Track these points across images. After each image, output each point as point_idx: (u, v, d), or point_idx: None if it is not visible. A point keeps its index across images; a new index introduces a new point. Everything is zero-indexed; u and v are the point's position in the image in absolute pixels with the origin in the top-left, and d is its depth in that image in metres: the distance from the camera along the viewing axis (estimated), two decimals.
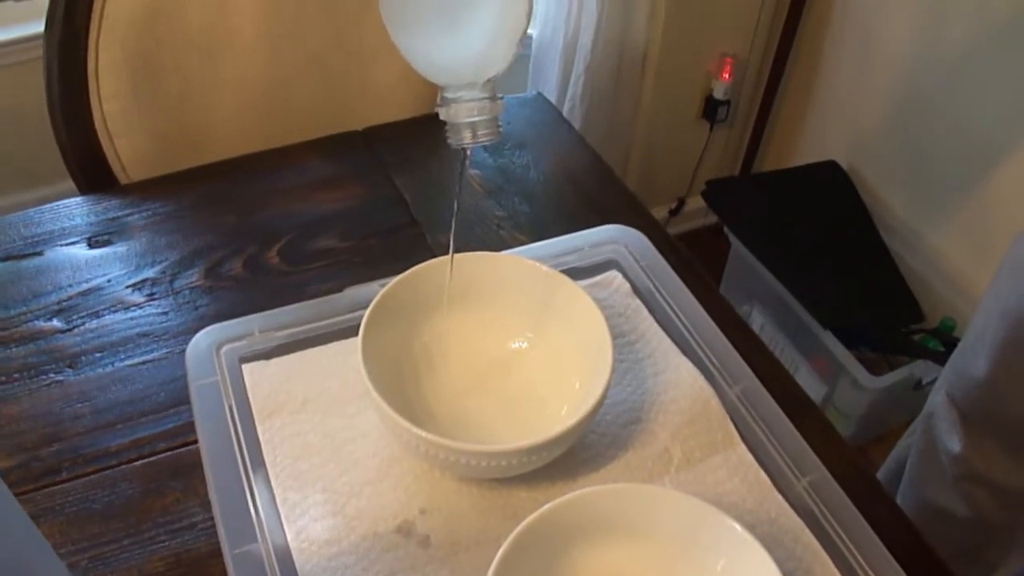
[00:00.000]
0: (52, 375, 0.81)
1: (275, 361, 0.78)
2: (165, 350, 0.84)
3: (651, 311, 0.84)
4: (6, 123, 1.85)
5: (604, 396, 0.68)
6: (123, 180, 1.13)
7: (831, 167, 2.06)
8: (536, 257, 0.80)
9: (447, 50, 0.64)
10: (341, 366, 0.78)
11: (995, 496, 1.11)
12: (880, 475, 1.34)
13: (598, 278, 0.87)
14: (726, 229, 1.98)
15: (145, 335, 0.85)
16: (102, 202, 1.00)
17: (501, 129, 0.66)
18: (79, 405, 0.79)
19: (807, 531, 0.68)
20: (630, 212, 0.99)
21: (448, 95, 0.65)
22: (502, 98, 0.65)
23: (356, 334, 0.71)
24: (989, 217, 1.77)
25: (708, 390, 0.77)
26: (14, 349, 0.84)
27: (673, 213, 2.32)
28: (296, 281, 0.91)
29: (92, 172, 1.12)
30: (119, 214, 0.98)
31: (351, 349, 0.72)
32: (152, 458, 0.75)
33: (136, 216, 0.98)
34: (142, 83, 1.11)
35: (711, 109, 2.13)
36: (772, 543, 0.62)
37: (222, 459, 0.69)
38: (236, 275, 0.92)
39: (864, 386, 1.71)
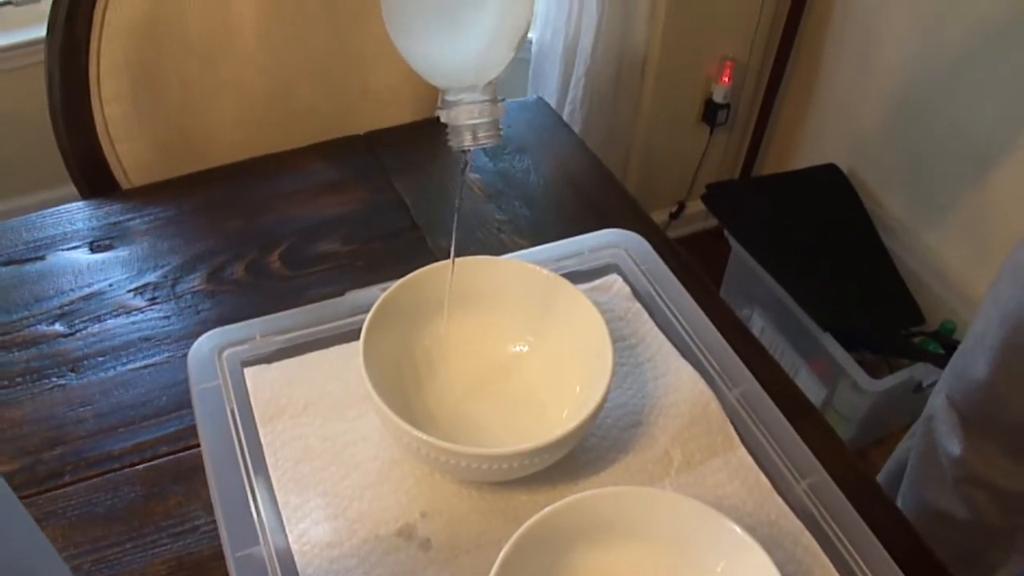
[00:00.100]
0: (54, 379, 0.82)
1: (277, 365, 0.78)
2: (167, 354, 0.84)
3: (651, 315, 0.84)
4: (7, 127, 1.85)
5: (604, 399, 0.69)
6: (125, 185, 1.14)
7: (831, 170, 2.06)
8: (536, 261, 0.80)
9: (447, 52, 0.64)
10: (342, 370, 0.78)
11: (995, 499, 1.11)
12: (880, 478, 1.34)
13: (598, 282, 0.87)
14: (726, 232, 1.99)
15: (147, 339, 0.85)
16: (104, 207, 1.00)
17: (502, 132, 0.66)
18: (81, 409, 0.79)
19: (807, 533, 0.68)
20: (630, 216, 0.99)
21: (449, 98, 0.65)
22: (503, 100, 0.66)
23: (357, 338, 0.71)
24: (989, 220, 1.78)
25: (708, 393, 0.77)
26: (16, 353, 0.84)
27: (673, 216, 2.32)
28: (298, 285, 0.91)
29: (94, 177, 1.12)
30: (121, 219, 0.98)
31: (352, 353, 0.72)
32: (154, 462, 0.75)
33: (138, 221, 0.98)
34: (143, 88, 1.11)
35: (711, 113, 2.14)
36: (772, 545, 0.63)
37: (224, 462, 0.70)
38: (238, 279, 0.92)
39: (864, 389, 1.71)
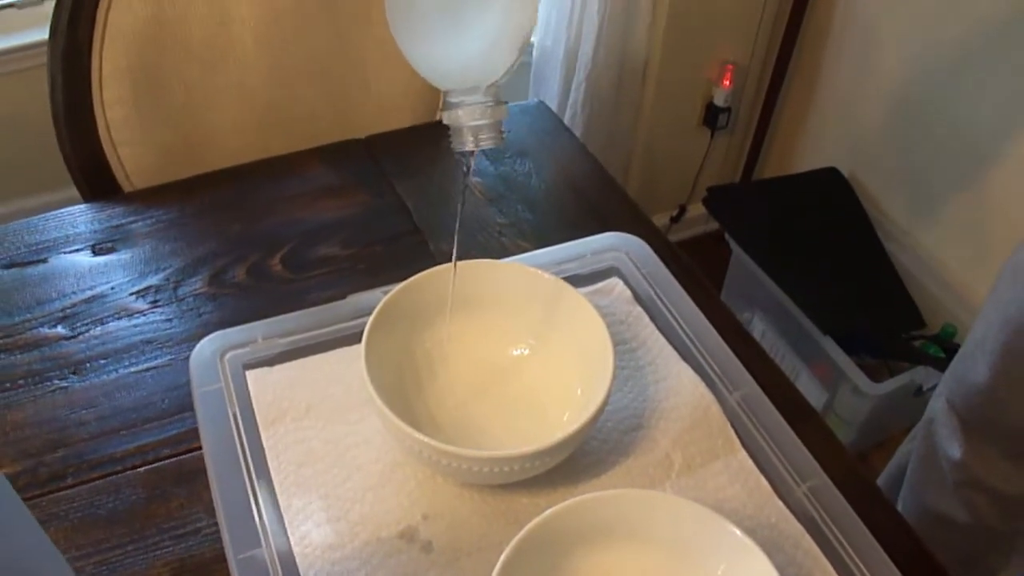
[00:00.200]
0: (57, 382, 0.82)
1: (278, 368, 0.79)
2: (169, 357, 0.84)
3: (652, 318, 0.85)
4: (9, 129, 1.85)
5: (605, 403, 0.69)
6: (127, 188, 1.14)
7: (832, 174, 2.06)
8: (538, 264, 0.80)
9: (450, 54, 0.65)
10: (344, 373, 0.78)
11: (995, 502, 1.11)
12: (881, 481, 1.34)
13: (599, 285, 0.88)
14: (727, 236, 1.99)
15: (149, 342, 0.86)
16: (106, 210, 1.00)
17: (504, 134, 0.66)
18: (84, 411, 0.79)
19: (807, 536, 0.68)
20: (631, 219, 1.00)
21: (451, 99, 0.65)
22: (506, 103, 0.66)
23: (359, 341, 0.71)
24: (989, 224, 1.78)
25: (709, 397, 0.77)
26: (19, 356, 0.84)
27: (674, 220, 2.33)
28: (299, 288, 0.92)
29: (96, 180, 1.12)
30: (123, 221, 0.99)
31: (354, 356, 0.72)
32: (156, 464, 0.76)
33: (140, 224, 0.98)
34: (145, 92, 1.11)
35: (712, 116, 2.14)
36: (772, 548, 0.63)
37: (226, 465, 0.70)
38: (239, 282, 0.92)
39: (865, 392, 1.71)
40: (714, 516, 0.62)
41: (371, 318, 0.73)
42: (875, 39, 1.91)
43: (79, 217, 0.99)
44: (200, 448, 0.72)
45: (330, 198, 1.02)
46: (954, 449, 1.10)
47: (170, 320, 0.88)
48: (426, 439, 0.65)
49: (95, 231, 0.97)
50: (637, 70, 1.97)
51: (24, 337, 0.86)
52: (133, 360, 0.84)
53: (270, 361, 0.79)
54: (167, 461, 0.76)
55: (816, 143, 2.18)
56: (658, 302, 0.84)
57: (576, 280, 0.83)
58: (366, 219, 1.00)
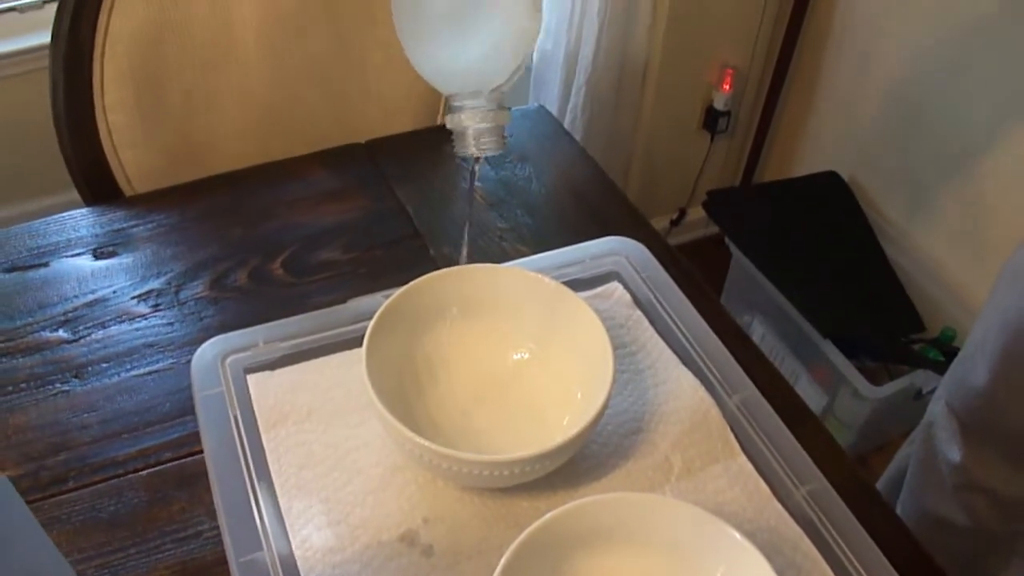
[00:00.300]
0: (59, 385, 0.82)
1: (279, 372, 0.79)
2: (170, 361, 0.85)
3: (652, 322, 0.85)
4: (10, 133, 1.85)
5: (605, 406, 0.69)
6: (128, 192, 1.14)
7: (831, 177, 2.06)
8: (538, 269, 0.80)
9: (455, 58, 0.65)
10: (345, 377, 0.78)
11: (995, 505, 1.11)
12: (880, 485, 1.34)
13: (599, 289, 0.88)
14: (727, 239, 1.99)
15: (150, 346, 0.86)
16: (107, 214, 1.00)
17: (507, 139, 0.67)
18: (85, 415, 0.80)
19: (806, 539, 0.69)
20: (631, 224, 1.00)
21: (455, 104, 0.66)
22: (508, 109, 0.66)
23: (360, 345, 0.72)
24: (989, 227, 1.78)
25: (708, 400, 0.78)
26: (21, 359, 0.84)
27: (674, 224, 2.33)
28: (300, 292, 0.92)
29: (97, 184, 1.12)
30: (124, 225, 0.99)
31: (355, 360, 0.73)
32: (158, 467, 0.76)
33: (141, 228, 0.99)
34: (147, 96, 1.11)
35: (712, 120, 2.14)
36: (771, 551, 0.63)
37: (227, 468, 0.70)
38: (241, 286, 0.92)
39: (864, 396, 1.72)
40: (713, 519, 0.63)
41: (372, 322, 0.73)
42: (875, 43, 1.92)
43: (81, 221, 0.99)
44: (201, 451, 0.72)
45: (331, 202, 1.03)
46: (953, 452, 1.10)
47: (171, 324, 0.88)
48: (427, 443, 0.65)
49: (97, 235, 0.97)
50: (637, 74, 1.98)
51: (26, 341, 0.86)
52: (135, 364, 0.84)
53: (271, 365, 0.79)
54: (169, 464, 0.76)
55: (816, 147, 2.18)
56: (658, 306, 0.85)
57: (576, 284, 0.83)
58: (367, 223, 1.00)
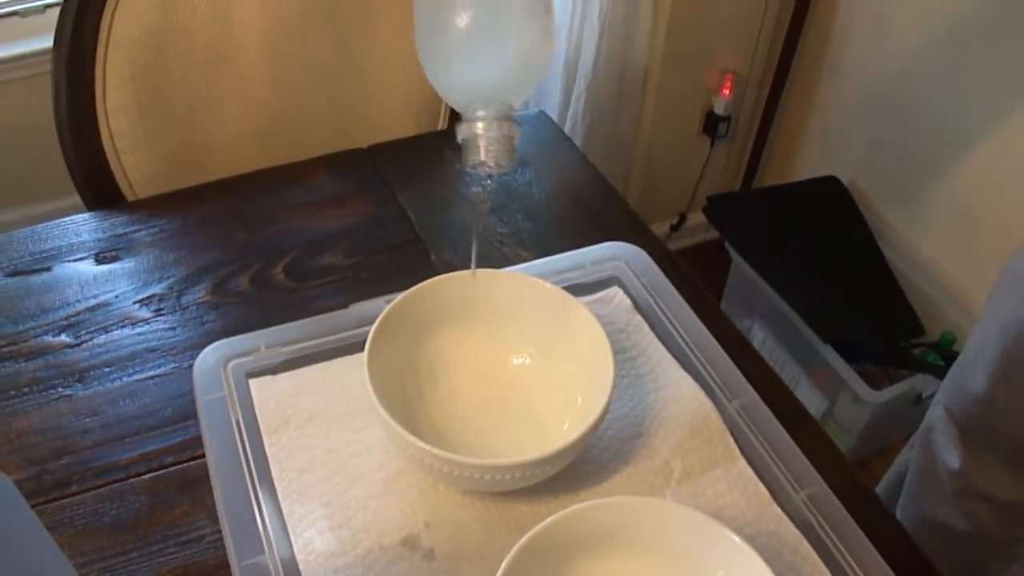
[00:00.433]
0: (61, 389, 0.82)
1: (281, 376, 0.79)
2: (172, 365, 0.85)
3: (652, 327, 0.85)
4: (12, 138, 1.86)
5: (606, 411, 0.69)
6: (130, 197, 1.15)
7: (831, 182, 2.07)
8: (539, 274, 0.81)
9: (470, 75, 0.66)
10: (347, 381, 0.79)
11: (994, 511, 1.11)
12: (880, 489, 1.34)
13: (600, 294, 0.88)
14: (727, 244, 1.99)
15: (153, 350, 0.86)
16: (109, 218, 1.01)
17: (516, 155, 0.67)
18: (88, 419, 0.80)
19: (805, 543, 0.69)
20: (631, 229, 1.00)
21: (466, 115, 0.66)
22: (520, 124, 0.67)
23: (361, 350, 0.72)
24: (989, 232, 1.78)
25: (708, 405, 0.78)
26: (23, 364, 0.85)
27: (674, 228, 2.33)
28: (302, 297, 0.92)
29: (99, 188, 1.13)
30: (126, 230, 0.99)
31: (356, 364, 0.73)
32: (160, 472, 0.76)
33: (143, 232, 0.99)
34: (149, 101, 1.12)
35: (712, 125, 2.14)
36: (771, 555, 0.63)
37: (229, 473, 0.70)
38: (243, 291, 0.93)
39: (864, 400, 1.72)
40: (713, 523, 0.63)
41: (374, 327, 0.73)
42: (875, 48, 1.92)
43: (83, 226, 0.99)
44: (203, 456, 0.73)
45: (333, 207, 1.03)
46: (952, 458, 1.11)
47: (174, 328, 0.88)
48: (428, 447, 0.65)
49: (99, 240, 0.98)
50: (637, 79, 1.98)
51: (28, 345, 0.86)
52: (137, 368, 0.84)
53: (273, 369, 0.79)
54: (171, 469, 0.76)
55: (816, 151, 2.18)
56: (658, 311, 0.85)
57: (576, 289, 0.84)
58: (369, 228, 1.00)
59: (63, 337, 0.87)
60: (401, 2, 1.16)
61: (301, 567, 0.66)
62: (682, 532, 0.64)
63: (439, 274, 0.78)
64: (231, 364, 0.78)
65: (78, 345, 0.86)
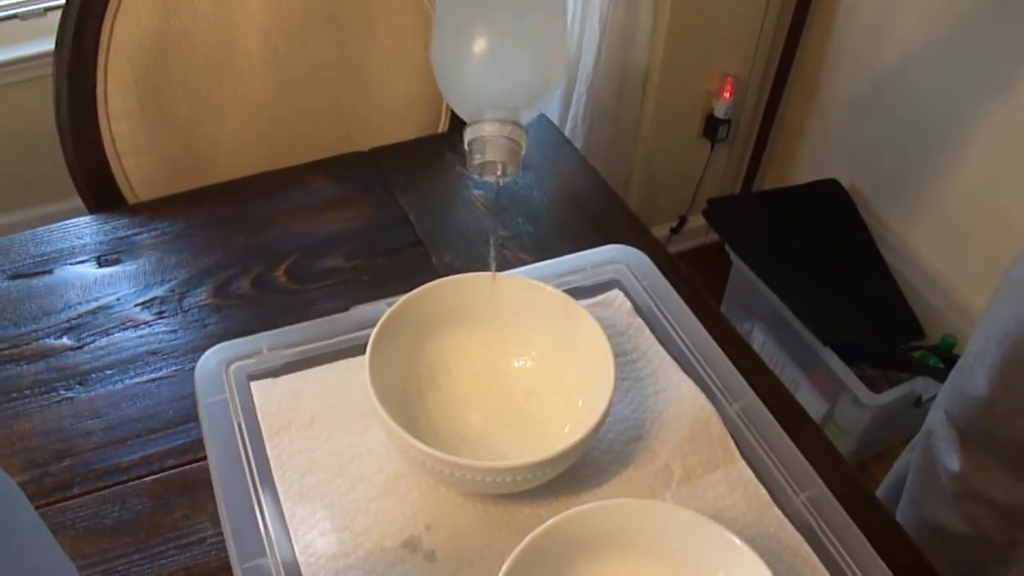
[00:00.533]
0: (63, 392, 0.83)
1: (283, 379, 0.79)
2: (174, 368, 0.85)
3: (652, 330, 0.85)
4: (14, 141, 1.86)
5: (606, 414, 0.69)
6: (131, 200, 1.15)
7: (832, 185, 2.07)
8: (539, 277, 0.81)
9: (483, 87, 0.66)
10: (348, 384, 0.79)
11: (995, 514, 1.11)
12: (880, 492, 1.34)
13: (600, 297, 0.88)
14: (727, 247, 1.99)
15: (154, 353, 0.86)
16: (111, 221, 1.01)
17: (522, 163, 0.67)
18: (90, 422, 0.80)
19: (805, 545, 0.69)
20: (632, 232, 1.00)
21: (473, 125, 0.67)
22: (526, 131, 0.67)
23: (363, 352, 0.72)
24: (989, 235, 1.78)
25: (708, 407, 0.78)
26: (25, 366, 0.85)
27: (674, 231, 2.33)
28: (303, 300, 0.92)
29: (100, 191, 1.13)
30: (128, 233, 0.99)
31: (358, 367, 0.73)
32: (162, 474, 0.76)
33: (145, 235, 0.99)
34: (150, 104, 1.12)
35: (712, 128, 2.14)
36: (771, 558, 0.63)
37: (231, 475, 0.70)
38: (244, 294, 0.93)
39: (864, 403, 1.72)
40: (713, 525, 0.63)
41: (375, 330, 0.73)
42: (875, 51, 1.92)
43: (84, 228, 1.00)
44: (205, 458, 0.73)
45: (334, 210, 1.03)
46: (952, 461, 1.11)
47: (175, 331, 0.88)
48: (429, 450, 0.65)
49: (100, 242, 0.98)
50: (637, 82, 1.98)
51: (30, 348, 0.86)
52: (138, 371, 0.85)
53: (274, 372, 0.79)
54: (172, 471, 0.77)
55: (816, 155, 2.19)
56: (658, 314, 0.85)
57: (577, 292, 0.84)
58: (370, 231, 1.01)
59: (65, 340, 0.87)
60: (402, 4, 1.16)
61: (302, 569, 0.66)
62: (682, 534, 0.64)
63: (440, 277, 0.78)
64: (233, 367, 0.78)
65: (80, 348, 0.87)
